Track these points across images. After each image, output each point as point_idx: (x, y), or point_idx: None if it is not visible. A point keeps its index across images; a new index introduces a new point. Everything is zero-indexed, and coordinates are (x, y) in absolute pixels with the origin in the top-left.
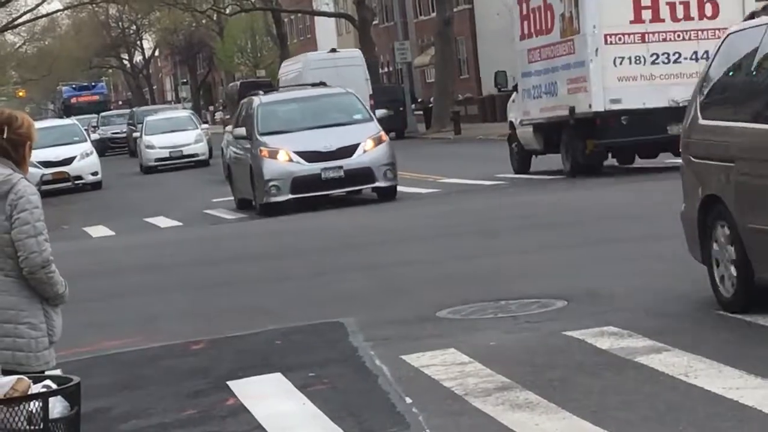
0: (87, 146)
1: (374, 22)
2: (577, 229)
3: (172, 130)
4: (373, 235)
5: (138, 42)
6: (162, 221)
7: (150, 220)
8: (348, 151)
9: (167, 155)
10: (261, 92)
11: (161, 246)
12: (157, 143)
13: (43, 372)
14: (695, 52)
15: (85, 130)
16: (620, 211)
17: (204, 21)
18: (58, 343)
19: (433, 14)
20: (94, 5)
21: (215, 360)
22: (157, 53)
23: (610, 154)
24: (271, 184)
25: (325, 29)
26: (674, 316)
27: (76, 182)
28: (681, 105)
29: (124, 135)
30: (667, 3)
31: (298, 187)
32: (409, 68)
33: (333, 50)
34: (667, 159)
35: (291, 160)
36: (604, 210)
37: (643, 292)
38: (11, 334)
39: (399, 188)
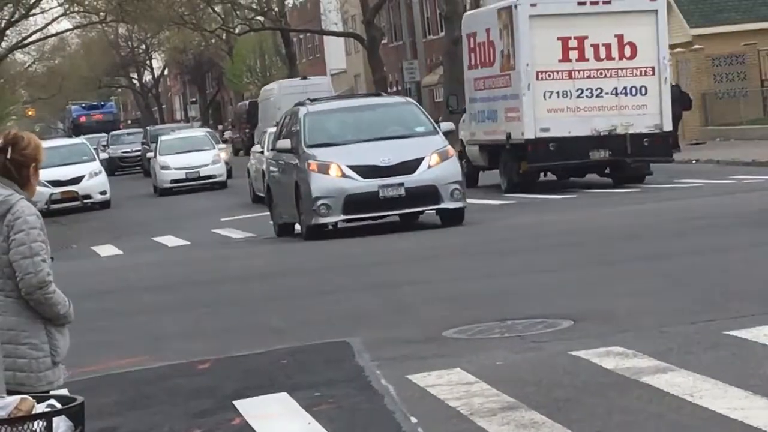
0: (96, 165)
1: (383, 42)
2: (580, 250)
3: (188, 150)
4: (377, 255)
5: (147, 61)
6: (170, 240)
7: (158, 239)
8: (410, 166)
9: (183, 176)
10: (308, 100)
11: (169, 265)
12: (172, 164)
13: (47, 392)
14: (615, 88)
15: (95, 149)
16: (619, 231)
17: (213, 40)
18: (65, 362)
19: (442, 34)
20: (103, 25)
21: (221, 379)
22: (166, 72)
23: (546, 174)
24: (320, 202)
25: (334, 49)
26: (679, 336)
27: (85, 201)
28: (602, 134)
29: (136, 154)
30: (591, 45)
31: (351, 206)
32: (417, 87)
33: (304, 77)
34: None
35: (344, 176)
36: (603, 230)
37: (648, 312)
38: (12, 355)
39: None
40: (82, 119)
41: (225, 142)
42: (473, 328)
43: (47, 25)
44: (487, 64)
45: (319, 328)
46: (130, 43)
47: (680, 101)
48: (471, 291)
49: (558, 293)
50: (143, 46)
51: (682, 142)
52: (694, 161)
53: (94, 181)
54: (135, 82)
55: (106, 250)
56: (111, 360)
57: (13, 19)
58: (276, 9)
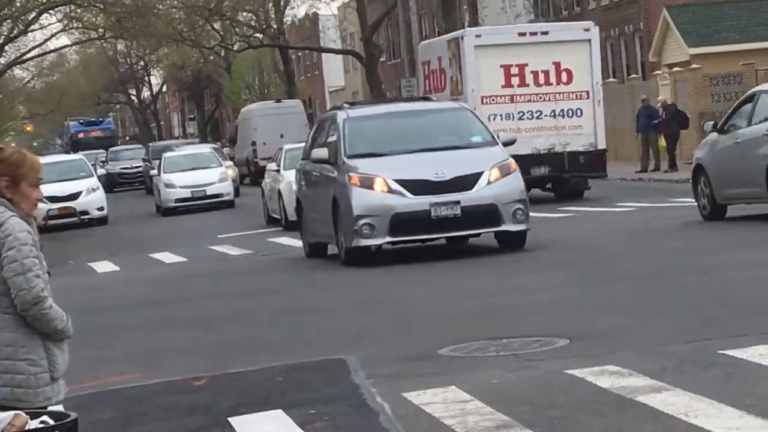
0: (93, 181)
1: (381, 59)
2: (576, 268)
3: (194, 168)
4: (374, 273)
5: (146, 78)
6: (167, 257)
7: (155, 255)
8: (467, 181)
9: (189, 195)
10: (346, 104)
11: (165, 282)
12: (177, 182)
13: (45, 408)
14: (553, 111)
15: (92, 165)
16: (614, 249)
17: (212, 57)
18: (64, 378)
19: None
20: (102, 41)
21: (217, 396)
22: (164, 89)
23: None
24: (362, 222)
25: (333, 66)
26: (675, 355)
27: (82, 217)
28: (542, 152)
29: (136, 170)
30: (531, 71)
31: (399, 226)
32: None
33: (278, 101)
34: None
35: (390, 191)
36: (599, 249)
37: (643, 332)
38: (10, 371)
39: None
40: (80, 135)
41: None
42: (469, 346)
43: (46, 41)
44: (439, 89)
45: (315, 345)
46: (128, 59)
47: (677, 120)
48: (466, 308)
49: (553, 312)
50: (142, 63)
51: (680, 161)
52: (690, 180)
53: (92, 197)
54: (133, 98)
55: (103, 266)
56: (106, 376)
57: (11, 35)
58: (274, 26)
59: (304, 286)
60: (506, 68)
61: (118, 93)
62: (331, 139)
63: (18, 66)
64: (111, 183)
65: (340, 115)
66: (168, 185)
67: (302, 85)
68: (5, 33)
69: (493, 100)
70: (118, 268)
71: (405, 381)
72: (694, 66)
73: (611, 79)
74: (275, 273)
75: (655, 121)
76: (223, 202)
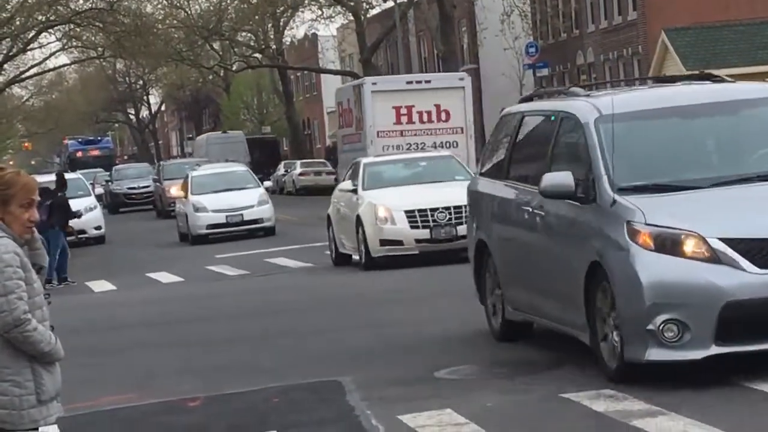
0: (91, 200)
1: None
2: None
3: (227, 189)
4: (370, 295)
5: (144, 97)
6: (164, 277)
7: (152, 275)
8: None
9: (223, 221)
10: (609, 88)
11: (162, 302)
12: (209, 205)
13: (35, 429)
14: (434, 142)
15: (91, 184)
16: None
17: (210, 77)
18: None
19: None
20: (101, 60)
21: (212, 417)
22: (163, 108)
23: None
24: (664, 316)
25: (331, 87)
26: (671, 380)
27: (80, 236)
28: None
29: (144, 190)
30: (417, 111)
31: (738, 327)
32: None
33: (224, 132)
34: None
35: (714, 258)
36: None
37: None
38: None
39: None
40: (79, 154)
41: None
42: (464, 369)
43: (45, 59)
44: (348, 125)
45: (311, 366)
46: (127, 78)
47: None
48: (462, 331)
49: (548, 335)
50: (140, 82)
51: None
52: None
53: (90, 216)
54: (132, 117)
55: (100, 286)
56: (102, 396)
57: (11, 54)
58: (274, 47)
59: (300, 307)
60: (397, 109)
61: (117, 112)
62: (563, 153)
63: (17, 84)
64: (116, 204)
65: (586, 112)
66: (198, 209)
67: (301, 106)
68: (4, 51)
69: (386, 134)
70: (115, 288)
71: (400, 403)
72: None
73: None
74: (272, 294)
75: None
76: (263, 229)
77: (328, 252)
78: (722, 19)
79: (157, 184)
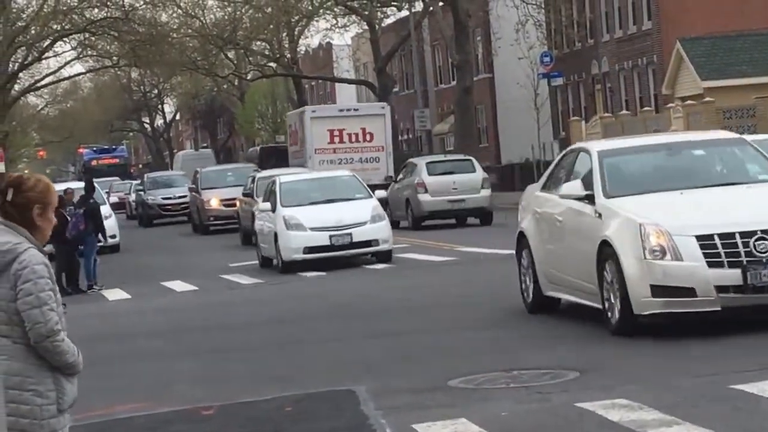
0: (106, 209)
1: (394, 90)
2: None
3: (329, 200)
4: (384, 303)
5: (159, 106)
6: (178, 285)
7: (166, 284)
8: None
9: (326, 242)
10: None
11: (176, 310)
12: (306, 222)
13: None
14: (361, 158)
15: (106, 193)
16: None
17: (225, 86)
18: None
19: (454, 83)
20: (116, 69)
21: (226, 426)
22: (178, 117)
23: None
24: None
25: (346, 96)
26: (685, 389)
27: (110, 241)
28: None
29: (181, 200)
30: (347, 133)
31: None
32: (428, 136)
33: (196, 149)
34: None
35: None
36: None
37: (654, 366)
38: (15, 401)
39: (411, 255)
40: (93, 163)
41: None
42: (479, 377)
43: (60, 68)
44: (295, 143)
45: (324, 375)
46: (142, 87)
47: None
48: (477, 340)
49: (564, 344)
50: (155, 91)
51: None
52: None
53: (105, 224)
54: (147, 126)
55: (114, 294)
56: (116, 405)
57: (26, 62)
58: (288, 56)
59: (315, 316)
60: (331, 131)
61: (132, 121)
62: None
63: (32, 93)
64: (149, 216)
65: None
66: (293, 225)
67: None
68: (20, 60)
69: (322, 151)
70: (129, 296)
71: (414, 412)
72: (707, 99)
73: (624, 112)
74: (286, 302)
75: None
76: (378, 254)
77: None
78: (737, 29)
79: (194, 194)
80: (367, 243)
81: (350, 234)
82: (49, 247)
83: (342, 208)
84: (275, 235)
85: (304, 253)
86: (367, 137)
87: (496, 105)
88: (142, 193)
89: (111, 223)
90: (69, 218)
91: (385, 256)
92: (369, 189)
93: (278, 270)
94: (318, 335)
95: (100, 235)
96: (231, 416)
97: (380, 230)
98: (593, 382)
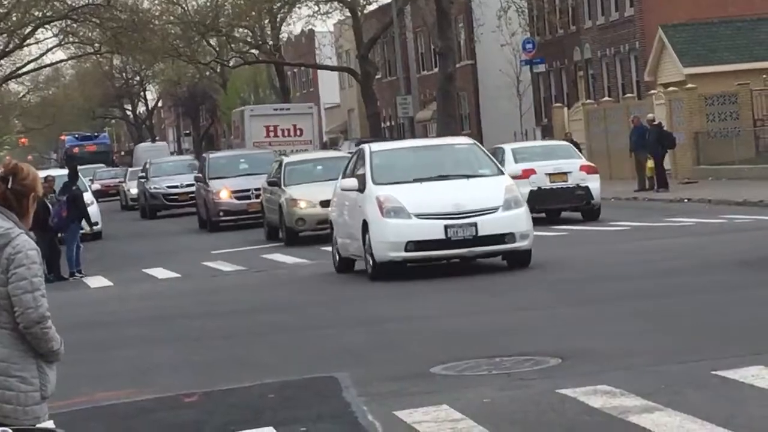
0: (88, 197)
1: (377, 77)
2: (570, 287)
3: (442, 176)
4: (367, 291)
5: (141, 93)
6: (160, 272)
7: (148, 271)
8: None
9: (440, 235)
10: None
11: (158, 297)
12: (410, 206)
13: (33, 426)
14: (292, 150)
15: (90, 180)
16: (607, 269)
17: (207, 73)
18: (52, 395)
19: (436, 69)
20: (98, 56)
21: (208, 413)
22: (160, 104)
23: None
24: None
25: (328, 83)
26: (667, 375)
27: (93, 229)
28: None
29: (188, 189)
30: (281, 129)
31: None
32: (411, 122)
33: (153, 141)
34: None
35: None
36: (592, 268)
37: (635, 351)
38: (1, 386)
39: None
40: (75, 150)
41: None
42: (461, 364)
43: (42, 55)
44: (237, 137)
45: (307, 362)
46: (124, 74)
47: (660, 140)
48: (458, 327)
49: (546, 331)
50: (137, 78)
51: (673, 181)
52: (685, 200)
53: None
54: (129, 113)
55: (96, 281)
56: (98, 392)
57: (7, 49)
58: (270, 42)
59: (297, 304)
60: (267, 127)
61: (114, 108)
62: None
63: (13, 80)
64: (153, 207)
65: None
66: (390, 211)
67: (297, 101)
68: (1, 47)
69: (260, 144)
70: (111, 284)
71: (397, 399)
72: (689, 86)
73: (606, 98)
74: (268, 290)
75: (633, 139)
76: (515, 255)
77: (327, 249)
78: (719, 15)
79: (201, 183)
80: (499, 238)
81: (474, 225)
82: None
83: (461, 187)
84: (364, 224)
85: (407, 250)
86: (298, 132)
87: (478, 92)
88: (144, 180)
89: (93, 210)
90: (51, 206)
91: (523, 258)
92: (498, 166)
93: (367, 275)
94: (300, 322)
95: (84, 223)
96: (213, 403)
97: (517, 220)
98: (575, 368)
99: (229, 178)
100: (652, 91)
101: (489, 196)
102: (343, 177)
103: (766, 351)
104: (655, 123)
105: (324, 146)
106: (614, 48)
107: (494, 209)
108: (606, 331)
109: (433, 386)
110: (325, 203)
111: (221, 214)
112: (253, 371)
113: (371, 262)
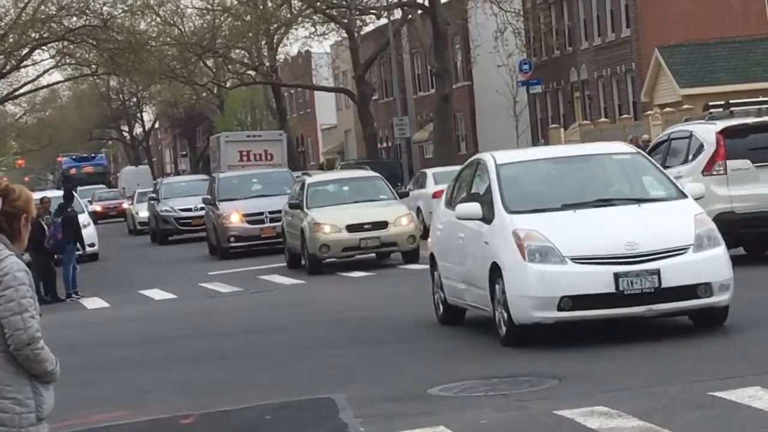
0: (84, 218)
1: (374, 98)
2: None
3: (602, 202)
4: (363, 310)
5: (138, 114)
6: (157, 294)
7: (145, 292)
8: None
9: (610, 288)
10: None
11: (154, 319)
12: (564, 247)
13: None
14: (263, 174)
15: (89, 201)
16: None
17: (204, 94)
18: (49, 416)
19: (432, 90)
20: (95, 77)
21: None
22: (157, 125)
23: None
24: None
25: (325, 104)
26: (664, 396)
27: (87, 251)
28: None
29: (201, 213)
30: (253, 154)
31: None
32: (407, 143)
33: (137, 165)
34: None
35: None
36: None
37: (633, 372)
38: None
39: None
40: (72, 171)
41: None
42: (458, 385)
43: (39, 76)
44: (215, 161)
45: (304, 383)
46: (121, 95)
47: None
48: (456, 347)
49: (543, 352)
50: (134, 99)
51: None
52: None
53: (84, 233)
54: (126, 134)
55: (93, 303)
56: (95, 414)
57: (4, 71)
58: (267, 64)
59: (293, 324)
60: (240, 152)
61: (111, 129)
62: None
63: (10, 101)
64: (165, 232)
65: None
66: (535, 253)
67: (294, 123)
68: None
69: (234, 167)
70: (107, 305)
71: (394, 420)
72: (685, 106)
73: (603, 119)
74: (265, 311)
75: None
76: (710, 312)
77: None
78: (716, 36)
79: (210, 206)
80: (690, 291)
81: (657, 272)
82: (26, 256)
83: (632, 218)
84: (494, 269)
85: (561, 308)
86: (269, 157)
87: (475, 112)
88: (155, 202)
89: (90, 231)
90: (46, 227)
91: (719, 317)
92: (677, 184)
93: (499, 340)
94: (297, 343)
95: (78, 244)
96: (210, 425)
97: (715, 264)
98: (572, 389)
99: (240, 200)
100: (649, 112)
101: (673, 230)
102: (450, 196)
103: (764, 371)
104: (651, 144)
105: (323, 169)
106: (611, 69)
107: (683, 249)
108: (602, 352)
109: (430, 407)
110: (352, 228)
111: (232, 240)
112: (249, 392)
113: (505, 322)
